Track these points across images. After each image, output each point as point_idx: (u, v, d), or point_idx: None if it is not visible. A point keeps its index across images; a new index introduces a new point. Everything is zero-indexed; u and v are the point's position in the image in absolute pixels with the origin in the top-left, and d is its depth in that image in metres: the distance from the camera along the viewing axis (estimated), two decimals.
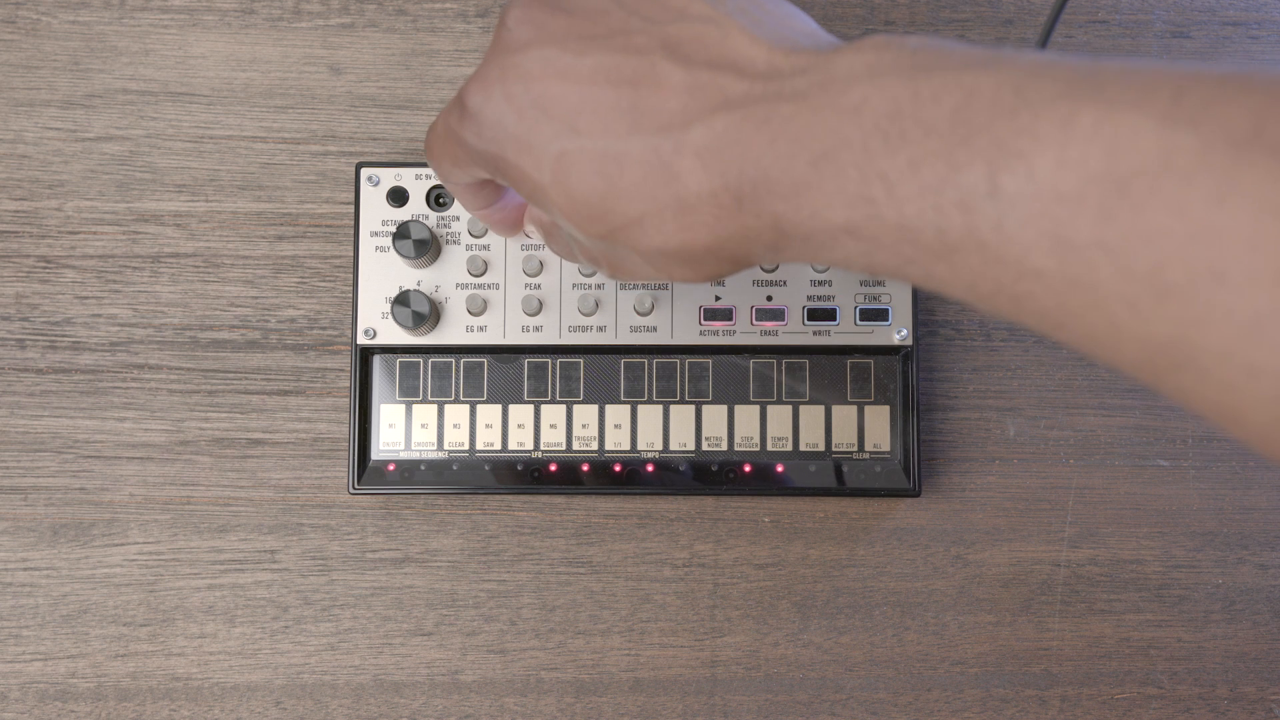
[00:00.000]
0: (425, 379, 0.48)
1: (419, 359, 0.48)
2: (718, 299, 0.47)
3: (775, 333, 0.47)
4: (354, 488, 0.47)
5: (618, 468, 0.47)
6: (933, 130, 0.25)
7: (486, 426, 0.48)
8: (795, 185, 0.27)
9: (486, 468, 0.47)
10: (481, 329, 0.47)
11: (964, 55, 0.26)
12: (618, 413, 0.48)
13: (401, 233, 0.46)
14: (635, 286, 0.47)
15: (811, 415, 0.47)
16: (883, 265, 0.27)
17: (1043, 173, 0.23)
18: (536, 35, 0.32)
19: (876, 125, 0.26)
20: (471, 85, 0.33)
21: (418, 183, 0.48)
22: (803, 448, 0.47)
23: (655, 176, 0.30)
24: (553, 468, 0.47)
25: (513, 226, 0.43)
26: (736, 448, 0.47)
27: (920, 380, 0.49)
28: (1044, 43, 0.45)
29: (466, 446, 0.48)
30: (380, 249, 0.47)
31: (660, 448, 0.48)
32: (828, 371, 0.48)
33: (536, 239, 0.44)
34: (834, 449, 0.47)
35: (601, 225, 0.31)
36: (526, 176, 0.32)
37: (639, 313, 0.47)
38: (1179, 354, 0.23)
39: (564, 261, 0.47)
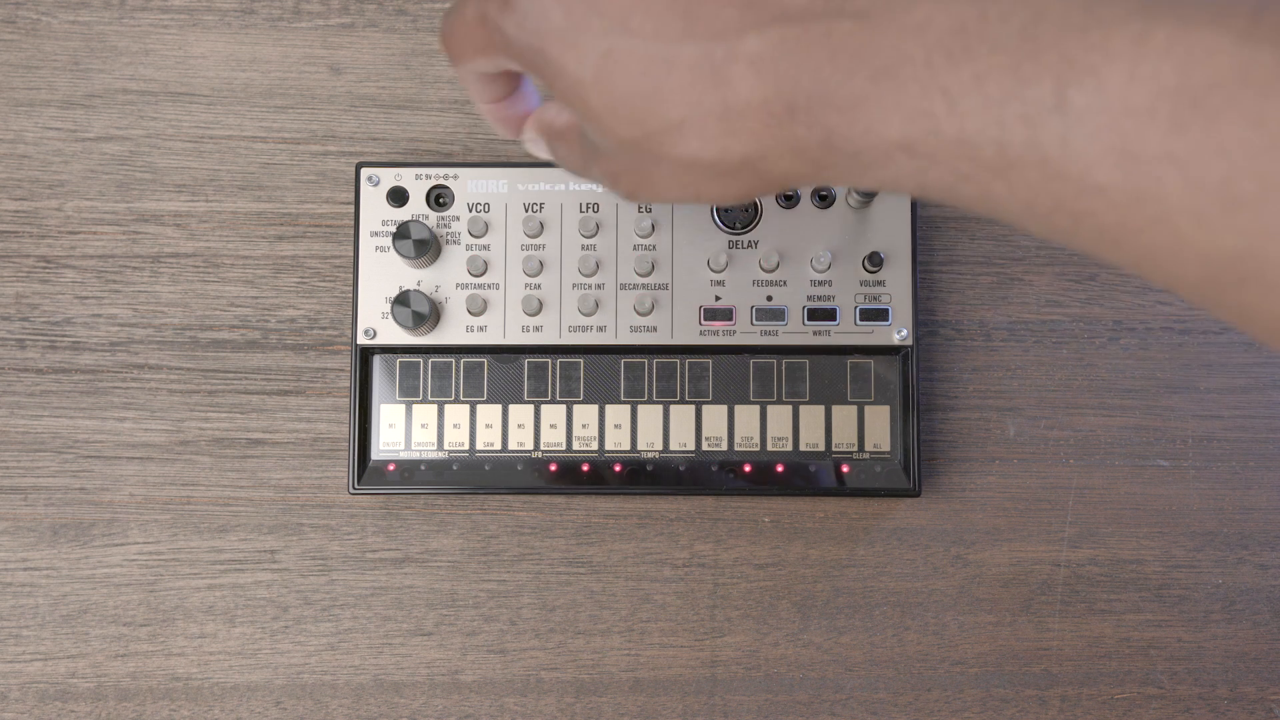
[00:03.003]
0: (425, 379, 0.48)
1: (419, 359, 0.48)
2: (718, 299, 0.47)
3: (775, 333, 0.47)
4: (354, 488, 0.47)
5: (618, 468, 0.47)
6: (999, 46, 0.25)
7: (486, 426, 0.48)
8: (853, 99, 0.27)
9: (486, 468, 0.47)
10: (481, 329, 0.47)
11: None
12: (618, 413, 0.48)
13: (401, 233, 0.46)
14: (636, 287, 0.47)
15: (811, 415, 0.47)
16: (935, 183, 0.27)
17: (1113, 87, 0.23)
18: None
19: (940, 42, 0.26)
20: None
21: (418, 183, 0.48)
22: (803, 448, 0.47)
23: (704, 81, 0.29)
24: (553, 468, 0.47)
25: (517, 127, 0.42)
26: (736, 448, 0.47)
27: (920, 380, 0.49)
28: None
29: (466, 446, 0.48)
30: (380, 249, 0.47)
31: (660, 448, 0.48)
32: (828, 371, 0.48)
33: (536, 151, 0.43)
34: (834, 449, 0.47)
35: (639, 128, 0.30)
36: (566, 72, 0.31)
37: (639, 313, 0.47)
38: (1245, 267, 0.23)
39: (564, 257, 0.47)
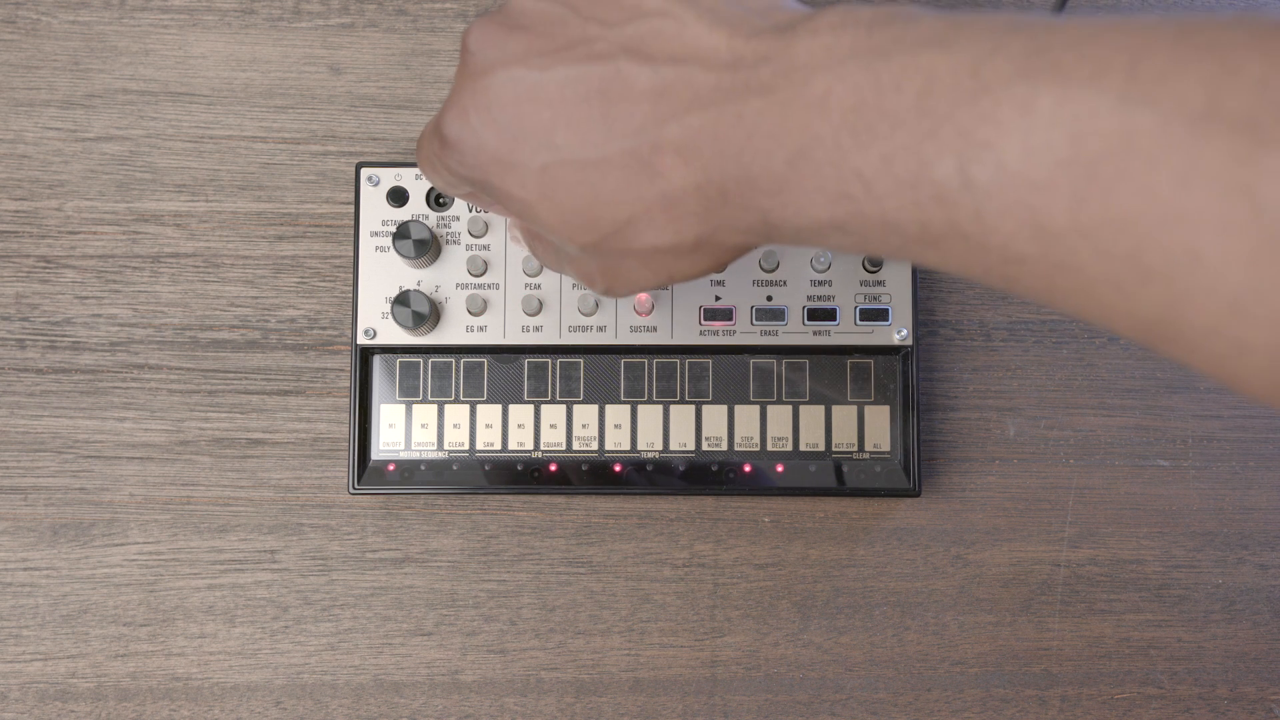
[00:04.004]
0: (425, 379, 0.48)
1: (419, 359, 0.48)
2: (718, 299, 0.47)
3: (775, 333, 0.47)
4: (354, 488, 0.47)
5: (618, 468, 0.47)
6: (899, 123, 0.25)
7: (486, 426, 0.48)
8: (776, 183, 0.28)
9: (486, 468, 0.47)
10: (481, 329, 0.47)
11: (920, 31, 0.26)
12: (618, 413, 0.48)
13: (401, 233, 0.46)
14: None
15: (811, 415, 0.47)
16: (876, 252, 0.28)
17: (1012, 161, 0.23)
18: (499, 56, 0.32)
19: (844, 120, 0.26)
20: (447, 114, 0.33)
21: (418, 183, 0.48)
22: (803, 448, 0.47)
23: (638, 176, 0.30)
24: (553, 468, 0.47)
25: None
26: (736, 448, 0.47)
27: (920, 380, 0.49)
28: None
29: (466, 446, 0.48)
30: (380, 249, 0.47)
31: (660, 448, 0.48)
32: (828, 371, 0.48)
33: (520, 248, 0.44)
34: (834, 449, 0.47)
35: (593, 233, 0.31)
36: (512, 196, 0.32)
37: (639, 313, 0.47)
38: (1168, 330, 0.23)
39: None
